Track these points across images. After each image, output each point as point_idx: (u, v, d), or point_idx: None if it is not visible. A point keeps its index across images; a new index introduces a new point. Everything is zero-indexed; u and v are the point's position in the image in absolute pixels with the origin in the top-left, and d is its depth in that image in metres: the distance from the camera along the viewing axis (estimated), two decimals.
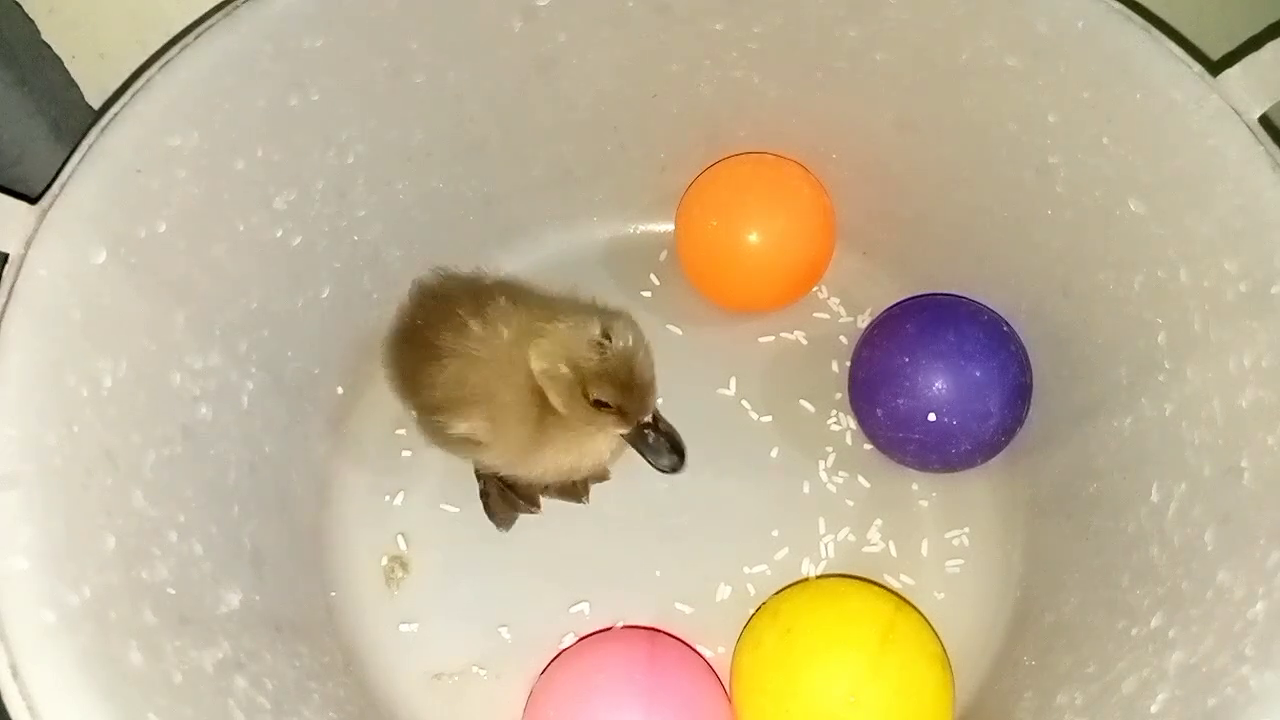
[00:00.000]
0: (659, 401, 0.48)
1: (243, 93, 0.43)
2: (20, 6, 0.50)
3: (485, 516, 0.55)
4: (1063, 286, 0.51)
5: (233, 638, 0.41)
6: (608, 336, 0.46)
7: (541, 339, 0.47)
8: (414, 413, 0.53)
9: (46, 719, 0.32)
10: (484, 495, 0.55)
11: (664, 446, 0.47)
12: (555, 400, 0.47)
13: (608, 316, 0.47)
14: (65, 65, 0.53)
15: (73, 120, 0.53)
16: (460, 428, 0.49)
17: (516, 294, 0.52)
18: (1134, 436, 0.46)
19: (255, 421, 0.48)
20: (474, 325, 0.48)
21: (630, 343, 0.46)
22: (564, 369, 0.46)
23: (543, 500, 0.55)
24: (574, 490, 0.55)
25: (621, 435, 0.48)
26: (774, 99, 0.56)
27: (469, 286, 0.53)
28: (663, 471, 0.48)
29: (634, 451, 0.48)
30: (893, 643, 0.45)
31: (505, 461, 0.50)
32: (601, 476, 0.55)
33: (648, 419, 0.47)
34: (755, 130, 0.58)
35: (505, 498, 0.54)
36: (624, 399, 0.46)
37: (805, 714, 0.44)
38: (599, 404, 0.46)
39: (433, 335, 0.50)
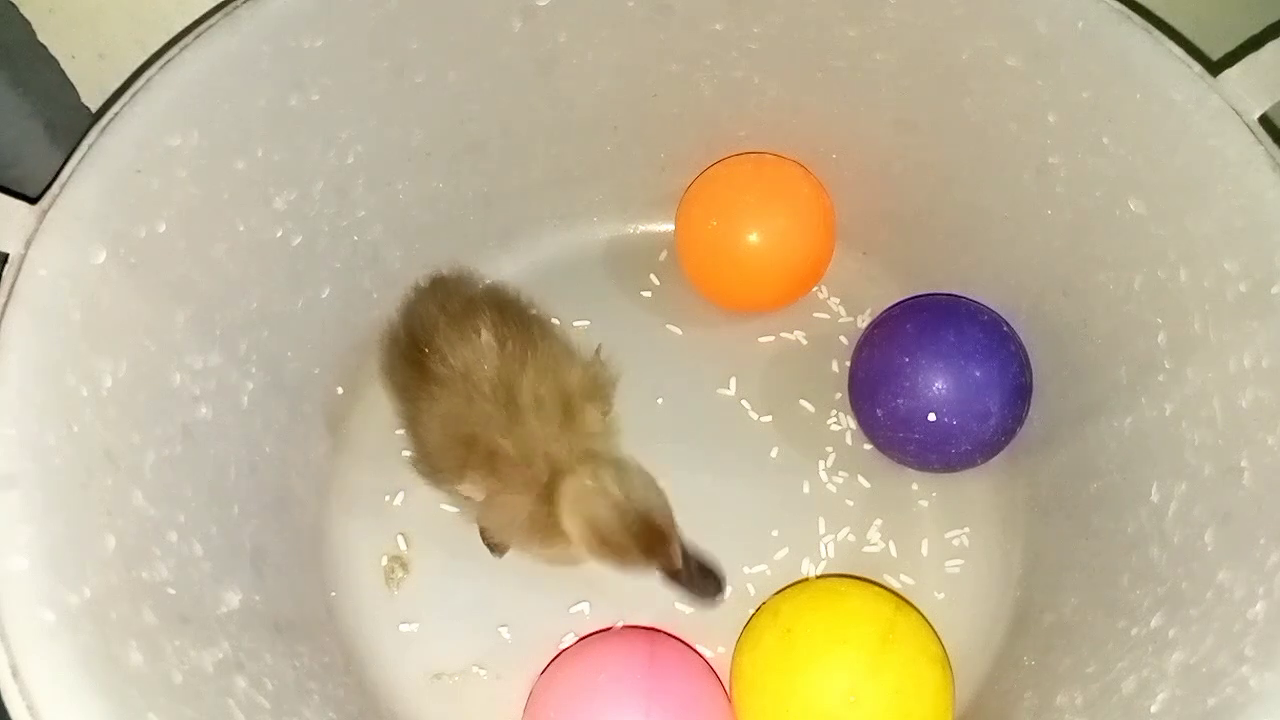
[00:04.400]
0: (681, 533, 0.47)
1: (243, 93, 0.43)
2: (16, 7, 0.50)
3: None
4: (1063, 286, 0.51)
5: (233, 638, 0.41)
6: (622, 491, 0.45)
7: (568, 487, 0.46)
8: (410, 450, 0.52)
9: (46, 719, 0.32)
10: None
11: (700, 584, 0.47)
12: (584, 547, 0.47)
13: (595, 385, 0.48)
14: (61, 66, 0.53)
15: (69, 121, 0.53)
16: (463, 488, 0.49)
17: (503, 310, 0.51)
18: (1134, 436, 0.46)
19: (255, 421, 0.48)
20: (464, 352, 0.48)
21: (641, 491, 0.46)
22: (586, 529, 0.46)
23: None
24: None
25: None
26: (774, 99, 0.56)
27: (462, 300, 0.52)
28: (707, 607, 0.48)
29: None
30: (893, 643, 0.45)
31: (491, 522, 0.50)
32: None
33: (677, 567, 0.46)
34: (755, 130, 0.58)
35: None
36: (649, 558, 0.46)
37: (805, 714, 0.44)
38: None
39: (424, 353, 0.49)
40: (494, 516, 0.49)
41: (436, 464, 0.50)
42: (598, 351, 0.53)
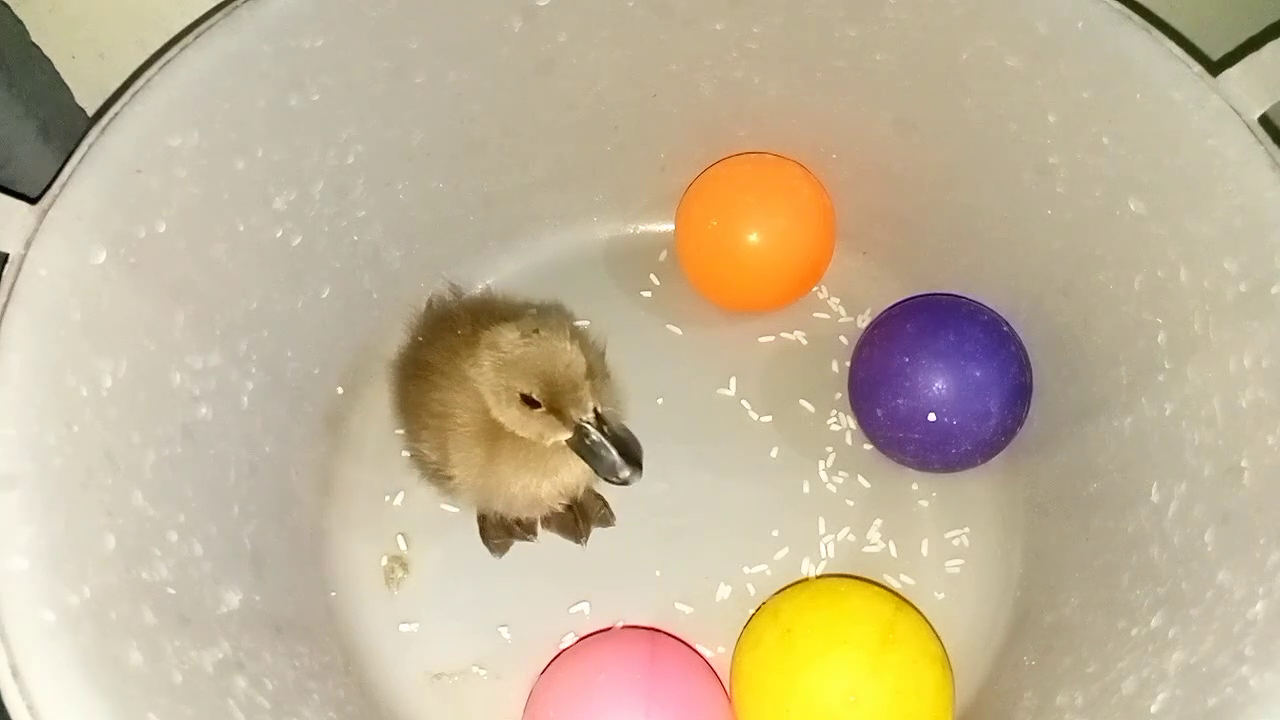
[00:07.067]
0: (613, 407, 0.45)
1: (243, 93, 0.43)
2: (9, 8, 0.50)
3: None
4: (1063, 286, 0.51)
5: (233, 638, 0.41)
6: (535, 331, 0.43)
7: (482, 345, 0.44)
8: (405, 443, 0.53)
9: (46, 719, 0.32)
10: (481, 519, 0.54)
11: (609, 451, 0.42)
12: (491, 406, 0.44)
13: (560, 323, 0.44)
14: (55, 66, 0.53)
15: (62, 122, 0.53)
16: (422, 450, 0.49)
17: (505, 313, 0.51)
18: (1134, 436, 0.46)
19: (255, 421, 0.48)
20: (460, 347, 0.48)
21: (559, 336, 0.43)
22: (488, 366, 0.44)
23: (540, 529, 0.54)
24: (574, 529, 0.54)
25: (566, 443, 0.44)
26: (774, 99, 0.56)
27: (472, 308, 0.52)
28: (612, 482, 0.42)
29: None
30: (893, 643, 0.45)
31: (470, 488, 0.49)
32: (587, 518, 0.54)
33: (586, 418, 0.42)
34: (755, 130, 0.58)
35: (503, 523, 0.53)
36: (548, 390, 0.42)
37: (805, 714, 0.44)
38: (528, 402, 0.43)
39: (426, 355, 0.50)
40: (463, 478, 0.48)
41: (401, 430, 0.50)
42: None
